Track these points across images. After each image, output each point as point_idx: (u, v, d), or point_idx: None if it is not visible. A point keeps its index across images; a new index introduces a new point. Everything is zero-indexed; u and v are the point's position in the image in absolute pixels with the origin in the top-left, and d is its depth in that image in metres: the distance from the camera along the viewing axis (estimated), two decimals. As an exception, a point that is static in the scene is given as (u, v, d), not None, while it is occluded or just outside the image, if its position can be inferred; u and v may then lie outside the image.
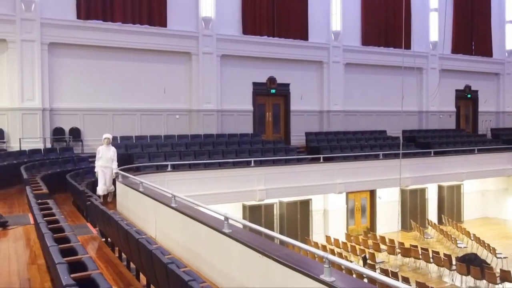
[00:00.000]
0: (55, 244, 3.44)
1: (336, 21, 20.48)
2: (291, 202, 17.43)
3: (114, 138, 15.90)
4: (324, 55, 20.38)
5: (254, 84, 18.97)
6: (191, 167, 14.60)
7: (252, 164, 14.75)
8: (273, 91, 19.31)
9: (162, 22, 16.86)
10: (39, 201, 6.22)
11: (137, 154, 14.62)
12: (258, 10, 18.77)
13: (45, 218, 4.74)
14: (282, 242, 5.88)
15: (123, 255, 6.17)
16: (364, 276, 9.67)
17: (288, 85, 19.66)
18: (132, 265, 5.71)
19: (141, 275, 5.24)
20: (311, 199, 18.06)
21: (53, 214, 5.59)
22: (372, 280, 8.32)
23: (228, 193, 14.12)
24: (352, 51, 21.05)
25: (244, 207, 16.47)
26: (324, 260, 3.34)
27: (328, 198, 18.66)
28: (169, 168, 13.36)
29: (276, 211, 17.45)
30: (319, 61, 20.37)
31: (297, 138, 19.56)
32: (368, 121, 21.49)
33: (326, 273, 3.31)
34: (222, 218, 5.38)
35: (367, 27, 21.55)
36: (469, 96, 25.31)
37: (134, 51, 16.58)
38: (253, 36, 18.63)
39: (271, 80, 19.20)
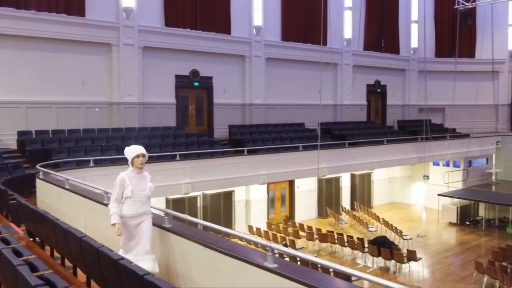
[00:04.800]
0: (6, 246, 3.44)
1: (258, 16, 20.98)
2: (214, 194, 17.76)
3: (28, 132, 15.17)
4: (246, 49, 20.82)
5: (177, 76, 18.92)
6: (113, 162, 14.31)
7: (178, 158, 14.82)
8: (196, 84, 19.39)
9: (80, 11, 16.22)
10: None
11: (55, 149, 14.03)
12: (180, 2, 18.69)
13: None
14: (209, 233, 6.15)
15: (56, 254, 6.12)
16: (298, 259, 10.21)
17: (211, 78, 19.84)
18: (67, 263, 5.71)
19: (79, 273, 5.28)
20: (233, 191, 18.52)
21: (-20, 216, 5.39)
22: (312, 264, 8.95)
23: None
24: (272, 46, 21.70)
25: (167, 200, 16.49)
26: (267, 248, 3.69)
27: (250, 189, 19.24)
28: (91, 164, 13.03)
29: (199, 203, 17.70)
30: (241, 55, 20.76)
31: (221, 131, 19.85)
32: (288, 114, 22.33)
33: (270, 261, 3.67)
34: (161, 213, 5.55)
35: (287, 23, 22.31)
36: (378, 90, 27.18)
37: (49, 41, 15.78)
38: (175, 28, 18.53)
39: (194, 73, 19.26)
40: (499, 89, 28.38)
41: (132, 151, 5.12)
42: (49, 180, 9.15)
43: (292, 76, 22.61)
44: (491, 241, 19.47)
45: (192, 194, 16.32)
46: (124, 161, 14.15)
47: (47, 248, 6.42)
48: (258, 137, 19.27)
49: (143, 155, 5.10)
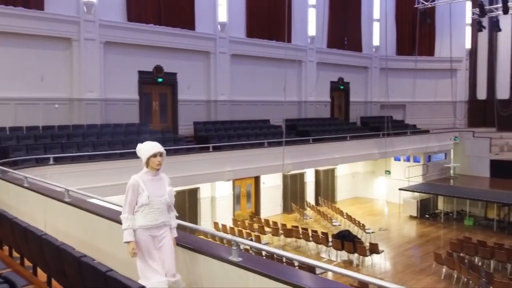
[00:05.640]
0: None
1: (222, 12, 20.85)
2: (179, 191, 17.59)
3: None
4: (211, 45, 20.68)
5: (140, 72, 18.58)
6: (74, 159, 13.99)
7: (141, 154, 14.57)
8: (160, 80, 19.13)
9: (39, 5, 15.69)
10: None
11: (13, 147, 13.56)
12: (143, -4, 18.39)
13: None
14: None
15: (14, 254, 5.94)
16: (264, 254, 10.31)
17: (175, 74, 19.62)
18: (26, 263, 5.55)
19: (39, 272, 5.14)
20: (199, 188, 18.44)
21: None
22: (277, 259, 9.06)
23: (116, 185, 13.76)
24: (237, 43, 21.63)
25: (131, 198, 16.21)
26: (232, 242, 3.71)
27: (215, 186, 19.20)
28: (51, 161, 12.68)
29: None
30: (206, 51, 20.59)
31: (185, 127, 19.67)
32: (253, 110, 22.32)
33: (234, 254, 3.69)
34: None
35: (252, 20, 22.30)
36: (342, 87, 27.60)
37: (7, 35, 15.17)
38: (138, 23, 18.21)
39: (158, 69, 18.99)
40: (457, 87, 29.39)
41: (147, 149, 4.22)
42: (7, 178, 8.86)
43: (257, 72, 22.63)
44: (449, 233, 20.18)
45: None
46: (84, 158, 13.92)
47: (5, 248, 6.23)
48: (224, 134, 19.22)
49: (161, 154, 4.21)
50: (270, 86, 22.73)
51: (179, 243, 4.25)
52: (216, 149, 17.09)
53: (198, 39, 20.16)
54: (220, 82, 20.93)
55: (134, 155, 14.44)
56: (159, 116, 19.58)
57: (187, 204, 18.00)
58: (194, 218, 18.14)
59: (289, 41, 22.24)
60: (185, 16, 19.61)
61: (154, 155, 4.17)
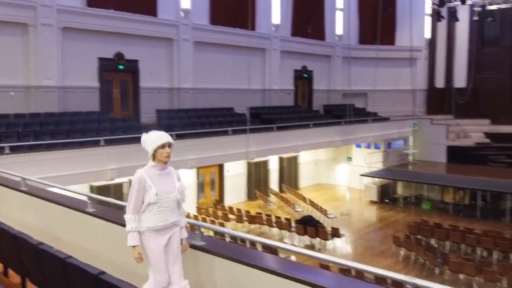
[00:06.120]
0: None
1: (185, -2, 20.51)
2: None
3: None
4: (174, 32, 20.35)
5: (100, 59, 18.11)
6: (31, 148, 13.58)
7: (102, 143, 14.31)
8: (121, 67, 18.71)
9: (-9, -13, 15.03)
10: None
11: (-35, 136, 13.05)
12: (102, -19, 17.86)
13: None
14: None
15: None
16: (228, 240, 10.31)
17: (137, 61, 19.22)
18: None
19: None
20: (162, 176, 18.19)
21: None
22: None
23: (75, 174, 13.51)
24: (201, 30, 21.35)
25: (92, 188, 15.91)
26: (195, 227, 3.73)
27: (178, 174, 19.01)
28: (6, 151, 12.29)
29: (125, 190, 17.25)
30: (168, 38, 20.24)
31: (148, 115, 19.36)
32: (216, 98, 22.16)
33: (197, 239, 3.71)
34: (83, 198, 5.39)
35: (216, 7, 22.01)
36: (305, 75, 27.80)
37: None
38: (98, 8, 17.69)
39: (119, 55, 18.55)
40: (416, 75, 30.19)
41: (154, 139, 3.70)
42: (-42, 168, 8.51)
43: (221, 60, 22.44)
44: (408, 217, 20.84)
45: (117, 180, 15.85)
46: (42, 147, 13.49)
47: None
48: (187, 122, 19.04)
49: (170, 144, 3.72)
50: (234, 74, 22.62)
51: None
52: (179, 137, 16.91)
53: (160, 25, 19.80)
54: (183, 70, 20.67)
55: (94, 144, 14.17)
56: (120, 104, 19.19)
57: (150, 193, 17.76)
58: (157, 207, 17.95)
59: (253, 29, 22.20)
60: (147, 1, 19.21)
61: (162, 146, 3.68)
